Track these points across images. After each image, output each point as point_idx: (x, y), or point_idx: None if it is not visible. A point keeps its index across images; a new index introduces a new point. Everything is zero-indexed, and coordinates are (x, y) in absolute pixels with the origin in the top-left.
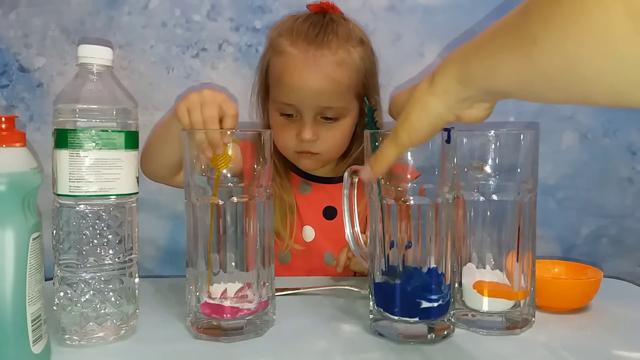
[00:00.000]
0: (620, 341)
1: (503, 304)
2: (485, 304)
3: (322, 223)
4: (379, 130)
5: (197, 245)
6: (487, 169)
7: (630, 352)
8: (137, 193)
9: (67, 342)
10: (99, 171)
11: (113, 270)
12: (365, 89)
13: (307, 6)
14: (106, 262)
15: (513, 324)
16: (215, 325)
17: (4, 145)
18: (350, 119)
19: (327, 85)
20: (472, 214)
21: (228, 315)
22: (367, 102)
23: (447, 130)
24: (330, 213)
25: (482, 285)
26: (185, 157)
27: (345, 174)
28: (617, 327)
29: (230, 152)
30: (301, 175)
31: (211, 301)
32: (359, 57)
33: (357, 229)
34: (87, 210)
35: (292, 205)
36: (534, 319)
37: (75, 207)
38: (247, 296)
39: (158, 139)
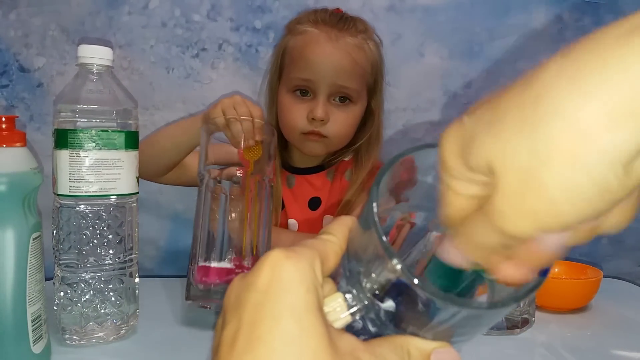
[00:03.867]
0: (620, 341)
1: None
2: None
3: (306, 215)
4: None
5: (203, 228)
6: None
7: (630, 352)
8: (137, 193)
9: (67, 342)
10: (99, 171)
11: (113, 270)
12: (375, 85)
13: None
14: (106, 262)
15: (513, 324)
16: (206, 290)
17: (5, 145)
18: (360, 108)
19: (347, 63)
20: None
21: (214, 279)
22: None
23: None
24: (315, 204)
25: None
26: (202, 150)
27: None
28: (617, 327)
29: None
30: (287, 169)
31: (204, 263)
32: (375, 48)
33: None
34: (87, 210)
35: (279, 199)
36: (534, 319)
37: (76, 207)
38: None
39: (169, 138)
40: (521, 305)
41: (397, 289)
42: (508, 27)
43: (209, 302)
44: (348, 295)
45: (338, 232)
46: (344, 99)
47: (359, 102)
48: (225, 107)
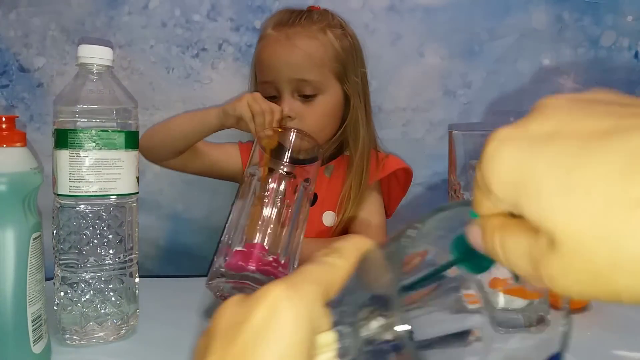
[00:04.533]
0: (620, 341)
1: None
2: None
3: None
4: None
5: (243, 216)
6: None
7: (630, 351)
8: (137, 193)
9: (68, 341)
10: (99, 171)
11: (113, 270)
12: (344, 71)
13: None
14: (106, 262)
15: (530, 322)
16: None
17: (5, 145)
18: (330, 97)
19: (299, 57)
20: None
21: (253, 265)
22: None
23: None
24: (312, 199)
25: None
26: (253, 152)
27: None
28: (617, 327)
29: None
30: None
31: (242, 248)
32: (333, 37)
33: None
34: (87, 210)
35: None
36: (549, 316)
37: (76, 207)
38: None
39: (180, 126)
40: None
41: (392, 346)
42: (508, 27)
43: (232, 283)
44: (341, 336)
45: (349, 256)
46: (309, 94)
47: (327, 91)
48: (251, 101)
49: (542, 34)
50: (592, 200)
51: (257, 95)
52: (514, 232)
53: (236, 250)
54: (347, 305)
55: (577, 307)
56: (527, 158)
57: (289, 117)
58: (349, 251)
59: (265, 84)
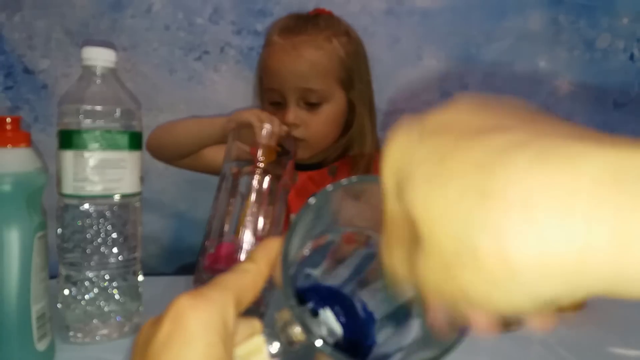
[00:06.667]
0: (616, 338)
1: None
2: None
3: None
4: None
5: (218, 219)
6: None
7: (627, 349)
8: (141, 193)
9: (72, 339)
10: (103, 171)
11: (117, 268)
12: (350, 78)
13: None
14: (110, 260)
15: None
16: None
17: (10, 146)
18: (335, 106)
19: (304, 66)
20: None
21: (222, 266)
22: None
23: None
24: None
25: None
26: (227, 150)
27: None
28: (614, 325)
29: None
30: None
31: (213, 251)
32: (339, 44)
33: None
34: (91, 210)
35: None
36: None
37: (80, 207)
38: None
39: (186, 131)
40: None
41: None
42: (504, 30)
43: None
44: (269, 339)
45: (261, 259)
46: (314, 102)
47: (332, 100)
48: (256, 111)
49: (538, 36)
50: (447, 190)
51: (265, 112)
52: (399, 237)
53: (209, 254)
54: (271, 309)
55: (575, 307)
56: (411, 148)
57: (294, 124)
58: (261, 254)
59: (271, 91)
